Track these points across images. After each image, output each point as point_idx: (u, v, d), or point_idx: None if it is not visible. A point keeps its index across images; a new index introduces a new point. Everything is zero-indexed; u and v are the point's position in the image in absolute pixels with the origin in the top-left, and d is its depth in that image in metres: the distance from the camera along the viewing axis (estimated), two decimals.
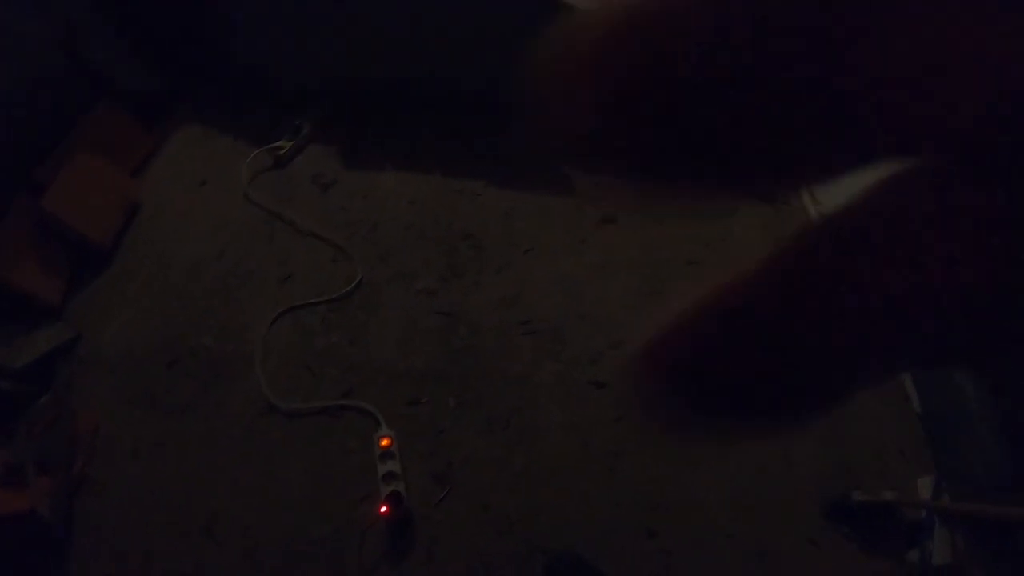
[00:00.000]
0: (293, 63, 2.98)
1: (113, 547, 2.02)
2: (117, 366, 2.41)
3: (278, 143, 2.87)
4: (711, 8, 0.15)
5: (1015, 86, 0.14)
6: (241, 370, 2.29)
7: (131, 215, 2.87)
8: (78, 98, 2.86)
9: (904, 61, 0.14)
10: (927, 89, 0.14)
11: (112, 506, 2.10)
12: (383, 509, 1.87)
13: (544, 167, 2.37)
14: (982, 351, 0.16)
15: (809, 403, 0.17)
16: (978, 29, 0.14)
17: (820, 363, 0.16)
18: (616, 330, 2.17)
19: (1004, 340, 0.16)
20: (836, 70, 0.14)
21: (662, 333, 0.18)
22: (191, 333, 2.43)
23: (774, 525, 1.82)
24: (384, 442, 2.00)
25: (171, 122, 3.18)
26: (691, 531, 1.83)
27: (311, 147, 2.88)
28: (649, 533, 1.82)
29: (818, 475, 1.87)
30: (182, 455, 2.16)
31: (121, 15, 2.97)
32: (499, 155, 2.65)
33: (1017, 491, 1.66)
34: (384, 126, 2.87)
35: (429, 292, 2.35)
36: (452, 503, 1.93)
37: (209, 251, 2.64)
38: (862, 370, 0.16)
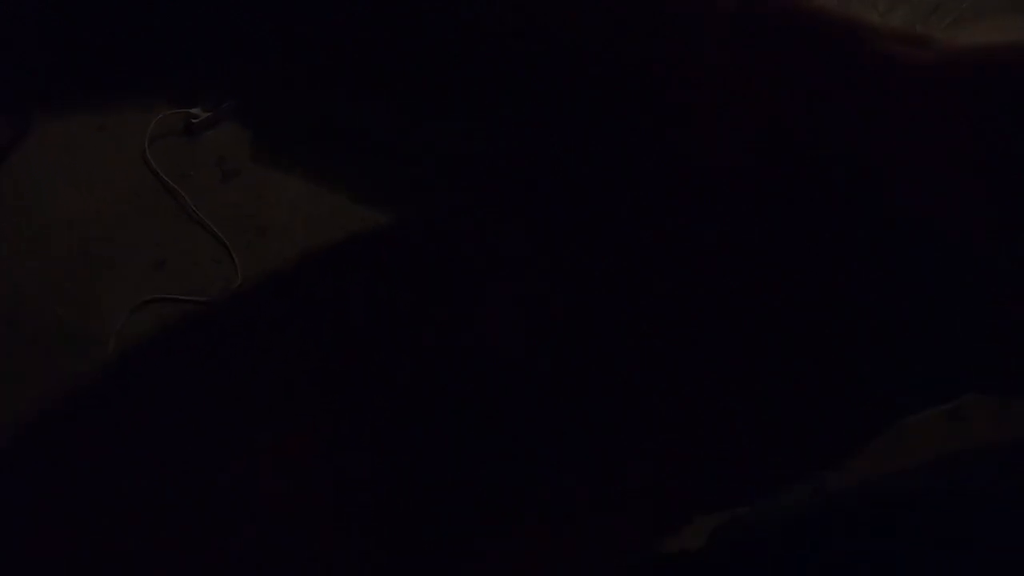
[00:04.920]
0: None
1: None
2: None
3: (194, 109, 2.64)
4: None
5: None
6: (88, 354, 2.09)
7: (12, 141, 2.58)
8: None
9: None
10: None
11: None
12: None
13: None
14: None
15: None
16: None
17: None
18: None
19: None
20: None
21: None
22: (38, 296, 2.21)
23: None
24: None
25: None
26: None
27: (228, 123, 2.67)
28: None
29: None
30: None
31: None
32: None
33: None
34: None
35: None
36: None
37: (84, 209, 2.40)
38: None
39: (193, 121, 2.61)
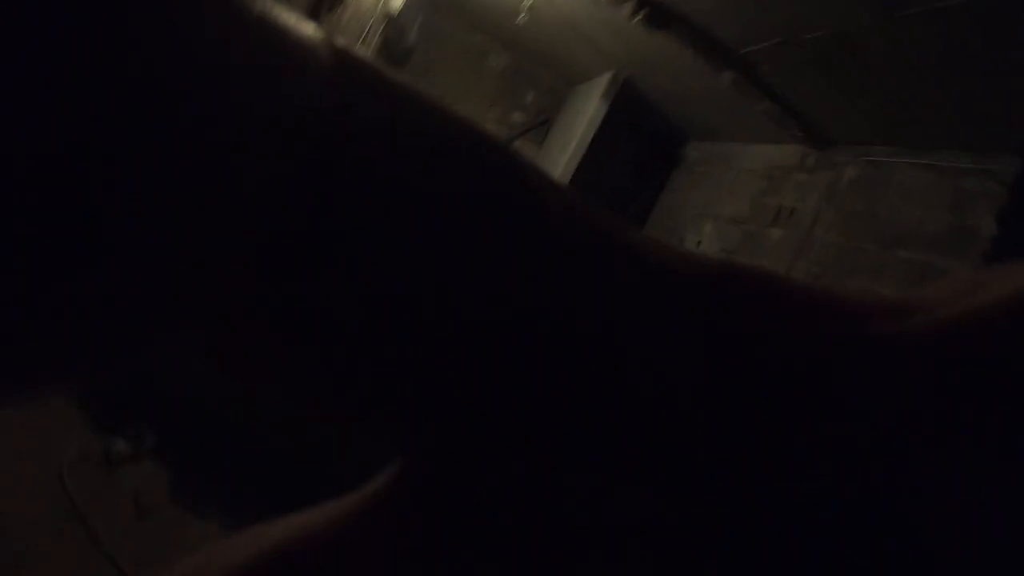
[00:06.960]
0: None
1: None
2: None
3: (117, 439, 2.88)
4: None
5: None
6: None
7: None
8: None
9: None
10: None
11: None
12: None
13: None
14: None
15: None
16: None
17: None
18: None
19: None
20: None
21: None
22: None
23: None
24: None
25: None
26: None
27: (147, 462, 2.91)
28: None
29: None
30: None
31: None
32: None
33: None
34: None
35: None
36: None
37: None
38: None
39: (113, 451, 2.84)
